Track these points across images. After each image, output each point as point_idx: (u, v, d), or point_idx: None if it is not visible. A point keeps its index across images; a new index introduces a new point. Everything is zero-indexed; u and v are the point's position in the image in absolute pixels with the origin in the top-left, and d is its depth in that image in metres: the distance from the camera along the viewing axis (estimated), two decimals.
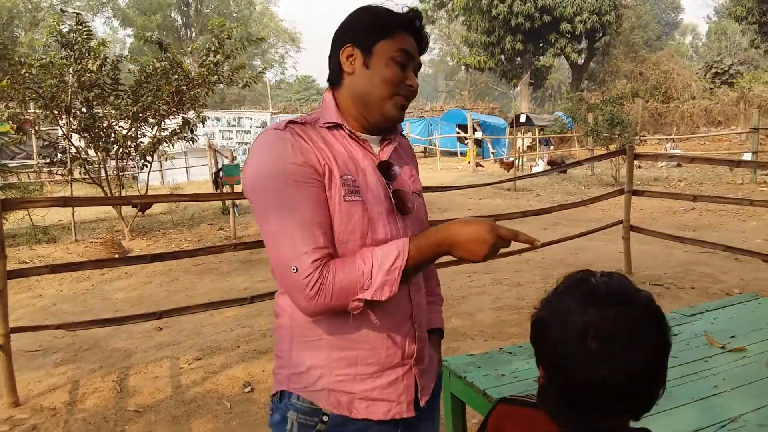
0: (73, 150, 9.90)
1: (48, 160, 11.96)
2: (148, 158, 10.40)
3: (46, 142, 10.32)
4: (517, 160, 18.60)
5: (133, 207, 11.14)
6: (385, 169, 1.47)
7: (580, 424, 1.08)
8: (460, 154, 26.03)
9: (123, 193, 10.53)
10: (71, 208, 9.83)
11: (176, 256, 4.64)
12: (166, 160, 14.98)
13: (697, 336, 2.90)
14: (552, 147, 24.88)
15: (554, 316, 1.10)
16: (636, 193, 6.73)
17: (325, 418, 1.40)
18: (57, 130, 10.36)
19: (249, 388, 3.98)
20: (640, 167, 17.68)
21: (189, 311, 4.45)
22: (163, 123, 10.22)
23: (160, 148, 10.45)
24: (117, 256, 8.30)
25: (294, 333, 1.45)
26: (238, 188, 11.95)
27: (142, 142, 10.26)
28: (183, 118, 10.38)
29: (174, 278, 7.24)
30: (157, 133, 10.20)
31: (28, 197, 5.60)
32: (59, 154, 10.13)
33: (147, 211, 11.97)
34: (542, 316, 1.14)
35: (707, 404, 2.20)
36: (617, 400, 1.03)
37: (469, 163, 21.23)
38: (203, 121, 10.82)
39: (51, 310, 5.95)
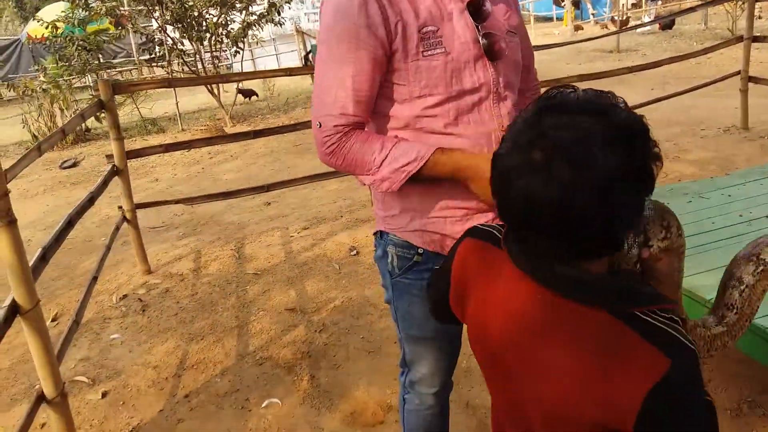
0: (170, 42, 10.18)
1: (147, 56, 12.40)
2: (240, 44, 10.54)
3: (144, 38, 10.64)
4: (620, 18, 17.18)
5: (239, 93, 11.48)
6: (475, 8, 1.39)
7: (540, 269, 0.89)
8: (557, 18, 24.35)
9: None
10: (175, 100, 10.26)
11: (275, 132, 4.79)
12: (257, 44, 15.08)
13: None
14: (660, 2, 22.70)
15: (510, 130, 0.88)
16: (757, 39, 6.08)
17: (420, 251, 1.48)
18: (152, 23, 10.62)
19: (355, 252, 4.18)
20: (760, 17, 15.86)
21: (294, 184, 4.65)
22: (250, 7, 10.25)
23: (250, 32, 10.53)
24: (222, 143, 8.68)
25: None
26: None
27: (232, 29, 10.38)
28: (269, 1, 10.32)
29: (276, 158, 7.51)
30: (246, 18, 10.25)
31: (136, 81, 5.89)
32: (156, 47, 10.45)
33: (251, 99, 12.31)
34: (503, 136, 0.91)
35: None
36: (563, 234, 0.82)
37: (566, 26, 19.89)
38: (288, 1, 10.72)
39: (168, 192, 6.40)
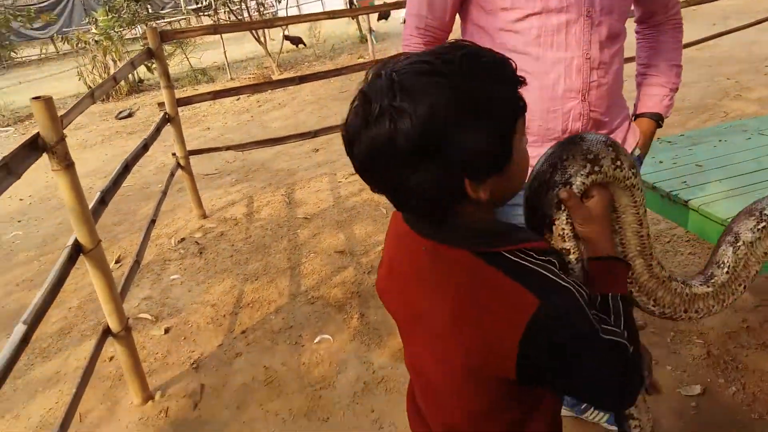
0: None
1: (194, 5, 12.42)
2: None
3: None
4: None
5: (286, 40, 11.46)
6: None
7: (413, 223, 0.88)
8: None
9: (267, 31, 10.82)
10: (223, 49, 10.33)
11: (321, 77, 4.78)
12: None
13: None
14: None
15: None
16: None
17: None
18: None
19: None
20: None
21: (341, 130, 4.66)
22: None
23: None
24: (270, 89, 8.73)
25: None
26: (372, 18, 11.78)
27: None
28: None
29: (323, 106, 7.53)
30: None
31: (182, 28, 5.94)
32: None
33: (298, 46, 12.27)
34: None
35: None
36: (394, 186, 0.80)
37: None
38: None
39: (220, 139, 6.51)
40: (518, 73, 0.80)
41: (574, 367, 0.78)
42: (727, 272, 0.96)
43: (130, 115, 8.69)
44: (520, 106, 0.80)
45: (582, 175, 0.89)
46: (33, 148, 2.00)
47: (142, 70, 10.39)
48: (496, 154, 0.79)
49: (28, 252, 4.33)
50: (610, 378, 0.81)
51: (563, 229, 0.91)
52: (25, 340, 1.72)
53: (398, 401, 2.30)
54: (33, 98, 2.01)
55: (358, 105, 0.79)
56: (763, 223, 0.93)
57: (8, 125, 9.03)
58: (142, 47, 11.12)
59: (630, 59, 1.78)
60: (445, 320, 0.83)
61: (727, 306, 0.98)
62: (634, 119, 1.64)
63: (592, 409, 2.01)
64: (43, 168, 2.38)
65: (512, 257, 0.80)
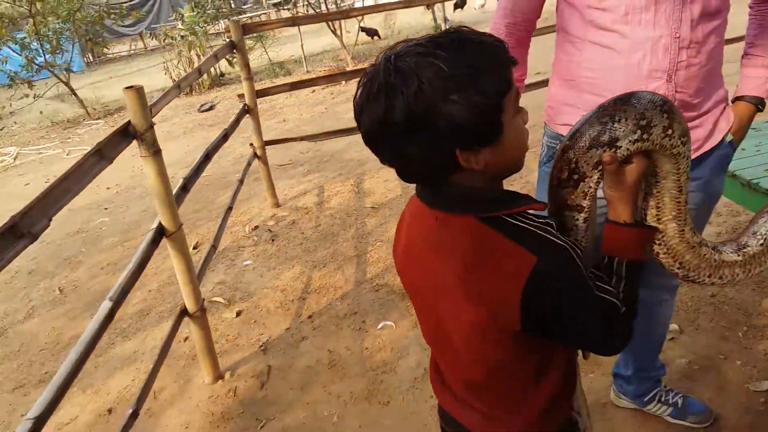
0: None
1: (275, 0, 12.74)
2: None
3: None
4: None
5: (362, 31, 11.61)
6: None
7: (423, 197, 0.96)
8: None
9: (343, 24, 10.98)
10: (300, 42, 10.58)
11: None
12: None
13: None
14: None
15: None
16: None
17: None
18: None
19: None
20: None
21: None
22: None
23: None
24: (343, 81, 8.88)
25: (552, 71, 1.59)
26: (448, 7, 11.67)
27: None
28: None
29: None
30: None
31: (262, 21, 6.15)
32: None
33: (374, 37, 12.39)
34: None
35: None
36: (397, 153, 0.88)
37: None
38: None
39: (295, 131, 6.69)
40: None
41: (567, 317, 0.87)
42: (762, 244, 0.95)
43: (211, 108, 9.06)
44: (507, 85, 0.85)
45: (630, 141, 0.88)
46: (124, 135, 2.15)
47: (223, 65, 10.79)
48: (481, 128, 0.84)
49: (113, 237, 4.63)
50: (595, 330, 0.90)
51: (590, 187, 0.93)
52: (110, 316, 1.85)
53: None
54: (125, 88, 2.17)
55: (364, 83, 0.88)
56: None
57: (99, 118, 9.60)
58: (224, 42, 11.57)
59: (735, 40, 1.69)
60: (456, 281, 0.90)
61: (752, 276, 0.97)
62: (733, 102, 1.57)
63: (655, 401, 1.98)
64: (128, 159, 2.56)
65: (512, 220, 0.88)
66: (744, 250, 0.96)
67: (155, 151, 2.26)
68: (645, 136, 0.88)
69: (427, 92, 0.81)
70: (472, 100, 0.82)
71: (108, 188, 5.86)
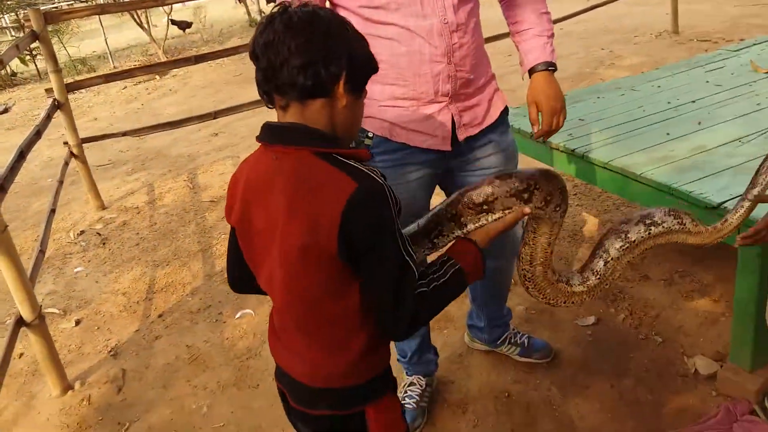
0: None
1: None
2: None
3: None
4: None
5: (173, 24, 11.03)
6: None
7: (266, 137, 1.05)
8: None
9: (149, 17, 10.39)
10: (103, 36, 9.83)
11: (219, 55, 4.72)
12: None
13: (742, 66, 2.92)
14: None
15: None
16: None
17: (370, 134, 1.57)
18: None
19: None
20: None
21: (242, 109, 4.61)
22: None
23: None
24: (157, 76, 8.43)
25: None
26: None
27: None
28: None
29: (218, 90, 7.38)
30: None
31: (68, 8, 5.63)
32: None
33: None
34: None
35: (750, 118, 2.29)
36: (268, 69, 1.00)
37: None
38: None
39: (109, 129, 6.21)
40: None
41: (371, 249, 0.97)
42: (598, 279, 1.25)
43: (6, 111, 8.11)
44: (345, 58, 0.98)
45: (535, 206, 1.09)
46: None
47: (14, 63, 9.70)
48: (367, 70, 1.04)
49: None
50: (389, 281, 0.98)
51: (487, 220, 1.11)
52: None
53: None
54: None
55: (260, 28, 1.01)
56: (626, 245, 1.22)
57: None
58: (12, 37, 10.35)
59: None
60: (286, 206, 0.99)
61: (594, 297, 1.29)
62: (530, 76, 1.75)
63: (506, 343, 2.20)
64: None
65: (342, 158, 0.99)
66: (588, 283, 1.25)
67: None
68: (543, 206, 1.10)
69: (282, 39, 0.96)
70: (305, 56, 0.95)
71: None
